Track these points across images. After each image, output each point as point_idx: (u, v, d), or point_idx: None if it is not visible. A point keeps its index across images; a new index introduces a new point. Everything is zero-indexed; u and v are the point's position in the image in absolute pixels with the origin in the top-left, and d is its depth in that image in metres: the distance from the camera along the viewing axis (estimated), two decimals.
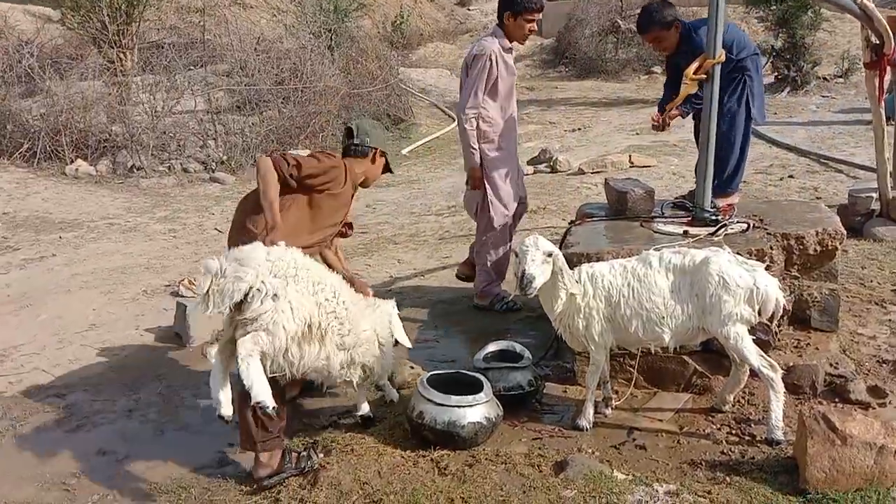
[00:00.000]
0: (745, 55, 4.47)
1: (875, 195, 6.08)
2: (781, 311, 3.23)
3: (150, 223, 8.16)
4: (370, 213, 8.35)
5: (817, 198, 7.52)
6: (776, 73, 15.14)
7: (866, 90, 5.81)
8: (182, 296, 5.58)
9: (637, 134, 11.74)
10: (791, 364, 3.60)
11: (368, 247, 6.87)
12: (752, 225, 4.01)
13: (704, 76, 3.96)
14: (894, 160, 6.35)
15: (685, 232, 3.98)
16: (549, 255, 3.17)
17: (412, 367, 4.02)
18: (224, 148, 10.95)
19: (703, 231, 3.97)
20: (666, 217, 4.30)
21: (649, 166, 9.24)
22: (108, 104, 10.98)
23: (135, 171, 10.26)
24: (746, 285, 3.14)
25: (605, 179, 4.69)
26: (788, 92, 14.61)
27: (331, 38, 14.38)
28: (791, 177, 8.43)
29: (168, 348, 4.75)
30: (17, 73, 11.29)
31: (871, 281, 4.96)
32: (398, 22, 22.47)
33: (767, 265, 3.68)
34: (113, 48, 11.99)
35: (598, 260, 3.72)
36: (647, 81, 17.88)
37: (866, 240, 5.89)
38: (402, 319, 4.86)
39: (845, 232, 3.96)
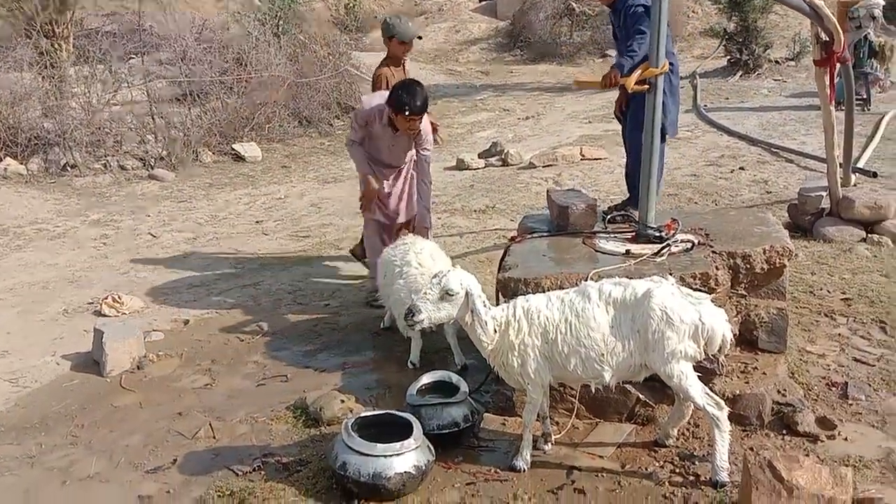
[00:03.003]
0: None
1: (825, 193, 5.97)
2: (729, 345, 3.04)
3: (81, 228, 7.74)
4: (314, 212, 8.02)
5: (767, 192, 7.42)
6: (728, 57, 15.10)
7: (816, 87, 5.66)
8: (105, 315, 5.24)
9: (589, 122, 11.56)
10: (738, 392, 3.43)
11: (308, 252, 6.56)
12: (696, 242, 3.82)
13: (647, 86, 3.75)
14: (844, 149, 6.25)
15: (627, 251, 3.78)
16: (450, 293, 2.95)
17: (343, 401, 3.76)
18: (164, 143, 10.48)
19: (646, 249, 3.78)
20: (608, 233, 4.10)
21: (600, 159, 9.06)
22: (41, 98, 10.43)
23: (68, 169, 9.75)
24: (691, 321, 2.94)
25: (548, 191, 4.47)
26: (741, 76, 14.58)
27: (277, 25, 13.88)
28: (742, 168, 8.33)
29: (84, 379, 4.41)
30: None
31: (821, 289, 4.84)
32: (351, 4, 21.90)
33: (713, 287, 3.51)
34: (46, 38, 11.37)
35: (536, 286, 3.51)
36: (601, 65, 17.69)
37: (816, 241, 5.78)
38: (338, 340, 4.69)
39: (794, 248, 3.80)
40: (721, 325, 2.98)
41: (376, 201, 5.00)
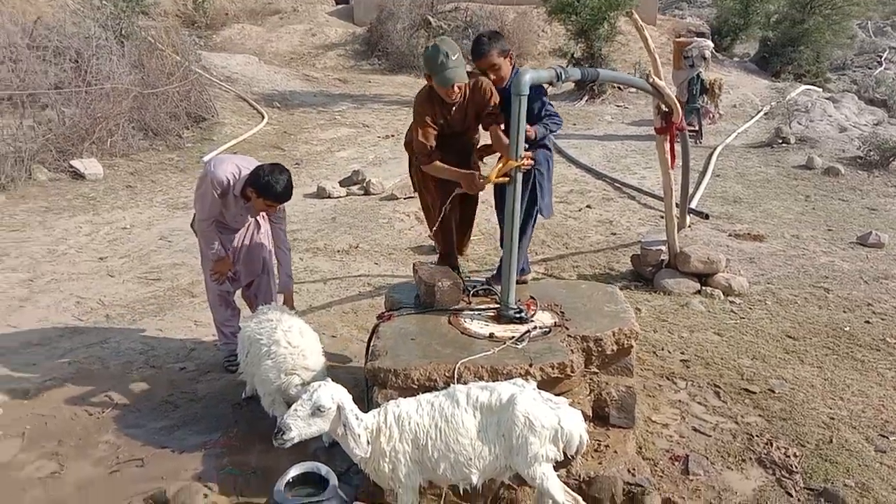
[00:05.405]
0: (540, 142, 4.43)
1: (664, 247, 6.46)
2: (585, 447, 3.25)
3: None
4: (164, 247, 7.66)
5: (613, 233, 7.90)
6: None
7: (657, 154, 6.11)
8: None
9: None
10: (592, 474, 3.67)
11: (160, 302, 6.26)
12: (554, 324, 4.04)
13: (507, 178, 3.91)
14: (681, 194, 6.77)
15: (491, 335, 3.93)
16: (321, 409, 3.01)
17: (206, 495, 3.66)
18: None
19: (508, 332, 3.95)
20: (473, 310, 4.25)
21: None
22: None
23: None
24: (551, 426, 3.13)
25: (414, 265, 4.56)
26: (586, 101, 15.38)
27: (121, 29, 13.06)
28: (589, 206, 8.82)
29: None
30: None
31: (663, 349, 5.23)
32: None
33: (569, 374, 3.73)
34: None
35: (406, 378, 3.59)
36: None
37: (657, 293, 6.24)
38: (197, 414, 4.52)
39: (639, 329, 4.11)
40: (578, 429, 3.19)
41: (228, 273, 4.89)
